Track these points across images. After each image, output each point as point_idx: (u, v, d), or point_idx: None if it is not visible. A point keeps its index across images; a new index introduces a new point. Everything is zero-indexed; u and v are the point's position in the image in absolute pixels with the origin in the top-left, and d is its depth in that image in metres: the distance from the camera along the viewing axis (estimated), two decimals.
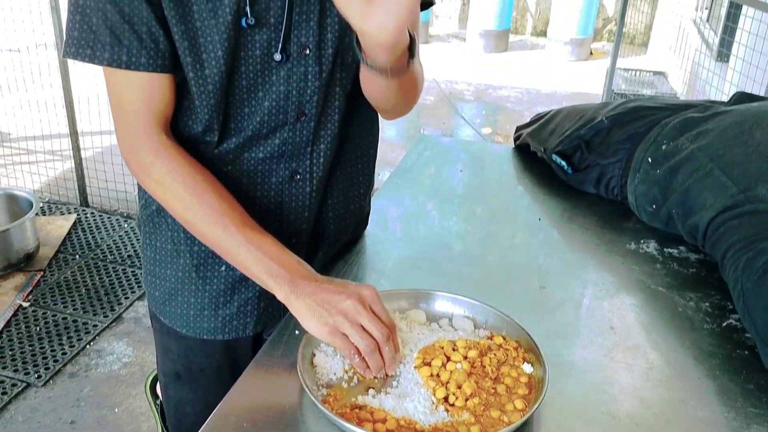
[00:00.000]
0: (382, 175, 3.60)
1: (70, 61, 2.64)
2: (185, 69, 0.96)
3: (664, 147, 1.31)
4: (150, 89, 0.95)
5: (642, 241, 1.28)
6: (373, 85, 0.99)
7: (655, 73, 5.30)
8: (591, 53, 7.57)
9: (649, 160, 1.32)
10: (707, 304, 1.08)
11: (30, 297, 2.78)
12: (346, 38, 0.99)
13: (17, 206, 3.05)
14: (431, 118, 5.52)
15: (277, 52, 0.96)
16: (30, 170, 3.80)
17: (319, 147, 1.06)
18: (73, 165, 3.49)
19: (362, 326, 0.86)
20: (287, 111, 1.00)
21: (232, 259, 0.96)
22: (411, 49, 0.89)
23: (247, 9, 0.92)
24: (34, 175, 3.77)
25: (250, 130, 1.01)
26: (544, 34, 8.15)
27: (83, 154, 3.50)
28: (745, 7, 3.68)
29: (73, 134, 3.39)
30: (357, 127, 1.13)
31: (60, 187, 3.68)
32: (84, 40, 0.92)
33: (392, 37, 0.80)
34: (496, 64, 7.23)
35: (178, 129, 1.02)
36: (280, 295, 0.90)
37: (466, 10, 8.31)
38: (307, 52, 0.97)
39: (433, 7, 7.96)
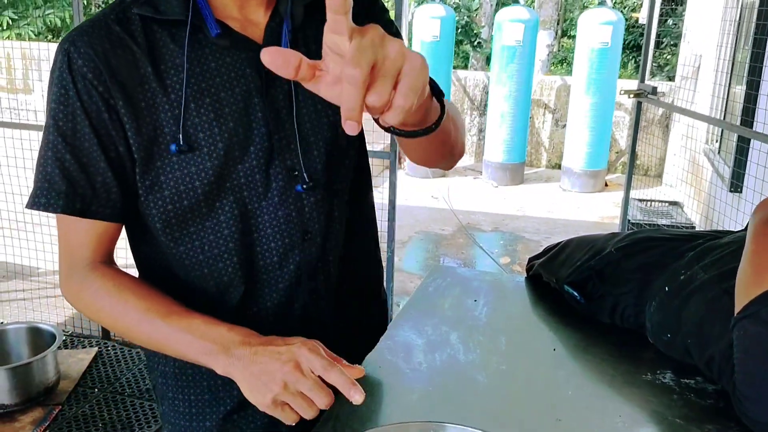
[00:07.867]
0: (401, 305, 3.61)
1: None
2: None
3: (681, 277, 1.33)
4: (98, 235, 1.02)
5: (658, 372, 1.27)
6: (408, 148, 1.02)
7: (671, 203, 5.38)
8: (606, 185, 7.73)
9: (666, 289, 1.34)
10: None
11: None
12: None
13: (40, 339, 3.09)
14: (450, 249, 5.59)
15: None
16: (55, 304, 3.88)
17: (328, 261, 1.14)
18: None
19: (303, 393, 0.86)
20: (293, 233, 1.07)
21: (171, 351, 0.99)
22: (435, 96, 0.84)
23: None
24: (59, 308, 3.84)
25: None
26: (558, 166, 8.36)
27: None
28: (753, 141, 3.78)
29: None
30: (360, 223, 1.21)
31: (84, 320, 3.73)
32: (40, 189, 0.99)
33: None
34: (513, 195, 7.39)
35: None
36: (220, 371, 0.91)
37: (481, 144, 8.60)
38: (296, 173, 1.04)
39: None
